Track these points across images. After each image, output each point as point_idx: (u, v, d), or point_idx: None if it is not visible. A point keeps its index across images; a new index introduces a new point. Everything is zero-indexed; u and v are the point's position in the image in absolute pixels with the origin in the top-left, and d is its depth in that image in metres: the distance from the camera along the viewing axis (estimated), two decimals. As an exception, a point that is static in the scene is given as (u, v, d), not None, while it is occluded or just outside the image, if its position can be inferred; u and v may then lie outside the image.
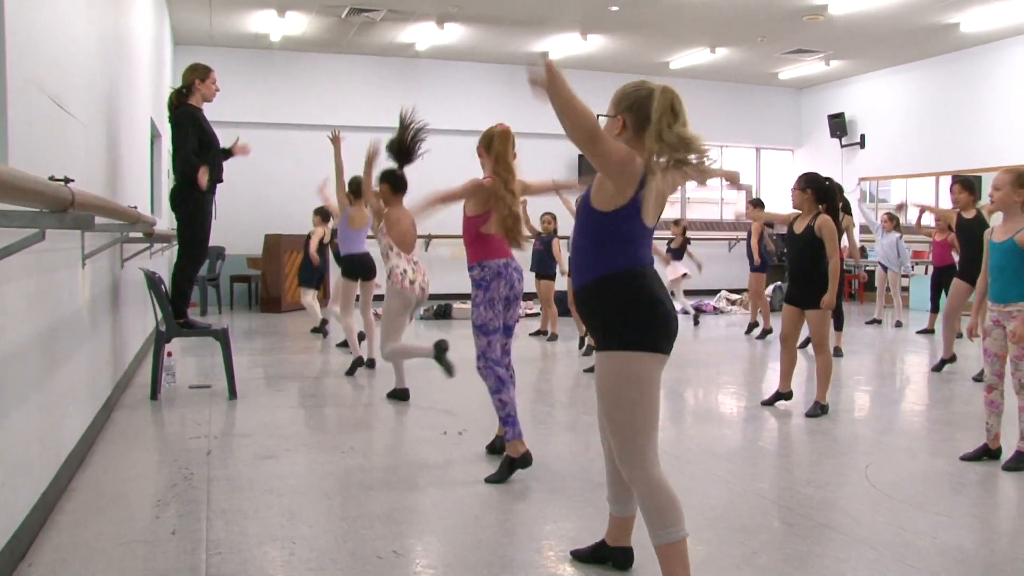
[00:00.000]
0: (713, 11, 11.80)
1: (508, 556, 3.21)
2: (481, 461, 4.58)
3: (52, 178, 2.88)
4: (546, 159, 15.93)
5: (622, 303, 2.65)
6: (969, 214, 7.35)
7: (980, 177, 13.82)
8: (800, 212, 6.01)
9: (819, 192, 5.91)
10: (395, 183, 6.11)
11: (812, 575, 3.06)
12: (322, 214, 9.96)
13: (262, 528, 3.49)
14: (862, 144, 15.88)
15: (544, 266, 10.14)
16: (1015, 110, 12.89)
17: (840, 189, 8.89)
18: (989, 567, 3.16)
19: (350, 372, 7.36)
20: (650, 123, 2.65)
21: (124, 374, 6.43)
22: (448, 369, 5.63)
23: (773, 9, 11.59)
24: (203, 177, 6.05)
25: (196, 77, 6.22)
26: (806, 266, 5.86)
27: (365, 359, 7.56)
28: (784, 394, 6.07)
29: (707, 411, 6.44)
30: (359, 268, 7.73)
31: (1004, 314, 4.46)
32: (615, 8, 11.70)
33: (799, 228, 5.93)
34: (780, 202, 17.88)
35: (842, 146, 16.16)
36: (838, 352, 8.68)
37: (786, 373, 6.05)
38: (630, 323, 2.63)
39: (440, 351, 5.63)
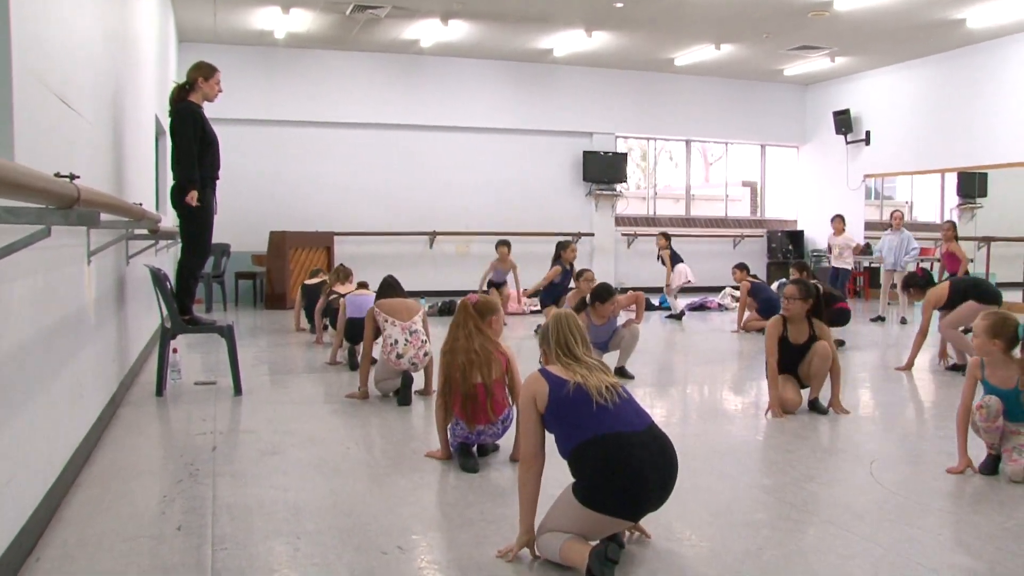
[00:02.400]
0: (718, 7, 11.78)
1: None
2: (485, 457, 4.58)
3: (58, 174, 2.89)
4: (549, 156, 15.98)
5: (580, 470, 3.14)
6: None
7: (986, 174, 13.82)
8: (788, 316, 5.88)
9: (816, 301, 5.86)
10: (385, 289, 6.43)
11: (816, 571, 3.06)
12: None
13: (267, 524, 3.50)
14: (867, 141, 15.85)
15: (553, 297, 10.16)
16: (1021, 106, 12.85)
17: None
18: (994, 564, 3.16)
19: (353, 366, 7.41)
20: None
21: (130, 371, 6.45)
22: (401, 400, 6.00)
23: (778, 5, 11.57)
24: (192, 200, 6.10)
25: (200, 75, 6.22)
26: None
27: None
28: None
29: (711, 408, 6.43)
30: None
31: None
32: (620, 4, 11.68)
33: (799, 339, 5.84)
34: (784, 198, 17.90)
35: (847, 143, 16.13)
36: (840, 343, 8.84)
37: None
38: (580, 481, 3.14)
39: (405, 383, 6.05)
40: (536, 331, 10.42)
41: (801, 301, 5.77)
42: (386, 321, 6.00)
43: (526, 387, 3.23)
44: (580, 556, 2.93)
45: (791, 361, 5.89)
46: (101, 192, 3.66)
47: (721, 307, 13.64)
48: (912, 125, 14.90)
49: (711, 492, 4.04)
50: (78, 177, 3.06)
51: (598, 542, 2.98)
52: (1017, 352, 4.38)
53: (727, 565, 3.09)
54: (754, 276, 10.93)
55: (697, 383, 7.37)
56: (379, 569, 3.04)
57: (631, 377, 7.10)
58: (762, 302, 10.42)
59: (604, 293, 7.08)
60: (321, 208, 14.30)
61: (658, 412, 6.16)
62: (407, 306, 6.16)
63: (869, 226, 15.94)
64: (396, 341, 5.94)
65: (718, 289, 14.75)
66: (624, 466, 2.97)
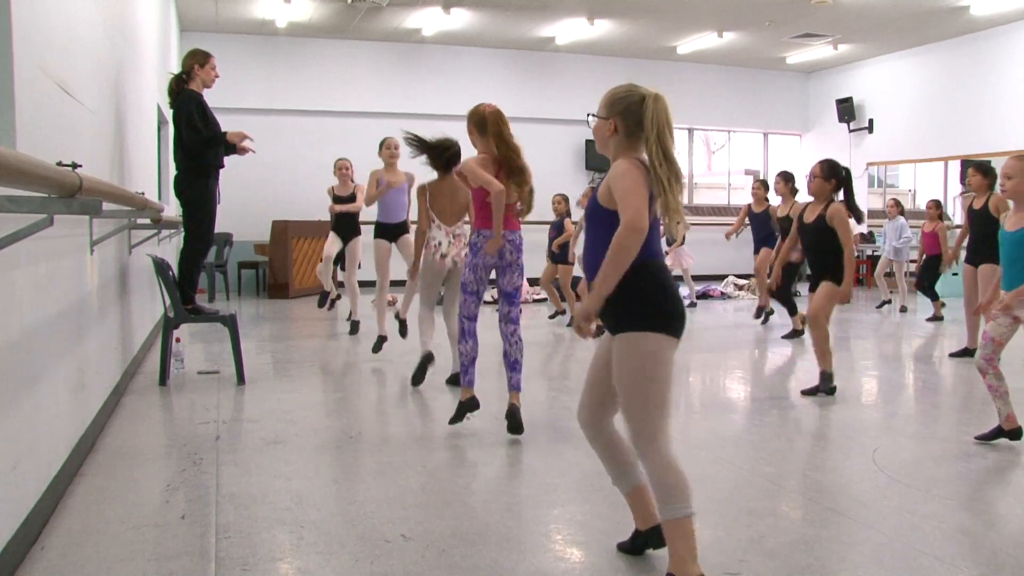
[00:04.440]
0: (721, -5, 11.73)
1: (516, 540, 3.22)
2: (489, 446, 4.59)
3: (60, 163, 2.89)
4: (551, 144, 15.93)
5: (643, 291, 2.76)
6: (979, 203, 7.33)
7: (989, 161, 13.77)
8: (811, 200, 5.82)
9: (840, 182, 5.70)
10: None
11: (819, 559, 3.06)
12: None
13: (271, 512, 3.51)
14: (870, 129, 15.79)
15: (561, 251, 10.00)
16: (1025, 94, 12.80)
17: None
18: (996, 551, 3.16)
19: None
20: (643, 130, 2.80)
21: (133, 360, 6.46)
22: (414, 378, 6.05)
23: (781, -8, 11.52)
24: (237, 138, 6.21)
25: (195, 62, 6.21)
26: (821, 255, 5.72)
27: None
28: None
29: (714, 396, 6.44)
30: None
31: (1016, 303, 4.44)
32: (622, -8, 11.64)
33: (812, 217, 5.73)
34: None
35: (850, 131, 16.08)
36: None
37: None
38: (649, 308, 2.76)
39: (425, 363, 6.04)
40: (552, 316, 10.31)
41: (822, 179, 5.64)
42: (432, 221, 5.97)
43: (634, 167, 2.80)
44: (692, 550, 2.70)
45: (805, 244, 5.83)
46: (103, 181, 3.66)
47: (724, 295, 13.63)
48: (915, 113, 14.85)
49: (714, 480, 4.04)
50: (80, 166, 3.06)
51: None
52: None
53: (730, 553, 3.10)
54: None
55: (699, 372, 7.37)
56: (382, 557, 3.04)
57: None
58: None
59: None
60: (323, 197, 14.26)
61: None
62: (452, 210, 6.02)
63: (872, 214, 15.89)
64: (440, 243, 5.89)
65: (721, 277, 14.74)
66: (672, 287, 2.85)
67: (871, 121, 15.78)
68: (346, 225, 8.99)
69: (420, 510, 3.59)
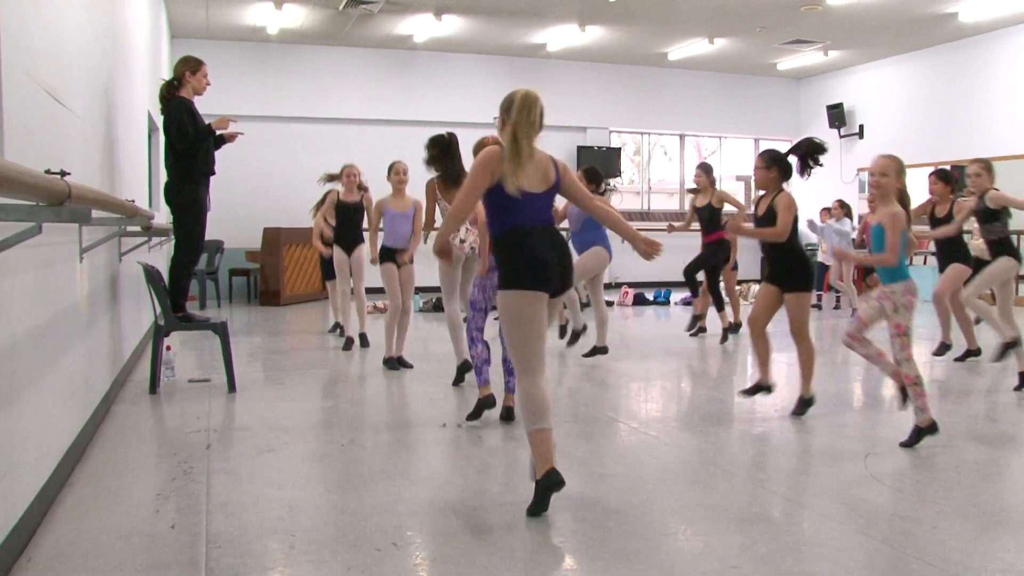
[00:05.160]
0: (711, 1, 11.78)
1: (508, 550, 3.21)
2: (482, 453, 4.58)
3: (48, 171, 2.88)
4: (544, 150, 15.92)
5: (501, 257, 3.66)
6: (943, 210, 7.34)
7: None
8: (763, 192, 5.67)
9: (783, 170, 5.56)
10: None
11: (810, 564, 3.06)
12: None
13: (262, 521, 3.49)
14: (860, 134, 15.87)
15: None
16: (1013, 99, 12.88)
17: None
18: (988, 554, 3.16)
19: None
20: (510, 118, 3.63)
21: (123, 368, 6.43)
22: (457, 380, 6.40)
23: (771, -1, 11.57)
24: (224, 125, 6.29)
25: (187, 69, 6.20)
26: (780, 253, 5.54)
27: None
28: (764, 386, 5.69)
29: (704, 402, 6.43)
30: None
31: (884, 294, 4.76)
32: (613, -1, 11.67)
33: (763, 209, 5.56)
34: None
35: (840, 136, 16.14)
36: (737, 327, 9.26)
37: (763, 362, 5.66)
38: (505, 270, 3.64)
39: (463, 372, 6.29)
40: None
41: (764, 169, 5.53)
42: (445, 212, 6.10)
43: (482, 159, 3.62)
44: (543, 455, 3.51)
45: (763, 243, 5.69)
46: (92, 189, 3.65)
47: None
48: (905, 118, 14.93)
49: (705, 486, 4.04)
50: (69, 174, 3.05)
51: (553, 469, 3.49)
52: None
53: (722, 559, 3.09)
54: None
55: (690, 378, 7.38)
56: (374, 566, 3.03)
57: (605, 351, 7.40)
58: None
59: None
60: (316, 200, 14.26)
61: (652, 408, 6.17)
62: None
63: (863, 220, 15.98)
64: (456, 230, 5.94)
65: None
66: (532, 250, 3.58)
67: (861, 127, 15.85)
68: (351, 231, 8.56)
69: (411, 518, 3.58)
